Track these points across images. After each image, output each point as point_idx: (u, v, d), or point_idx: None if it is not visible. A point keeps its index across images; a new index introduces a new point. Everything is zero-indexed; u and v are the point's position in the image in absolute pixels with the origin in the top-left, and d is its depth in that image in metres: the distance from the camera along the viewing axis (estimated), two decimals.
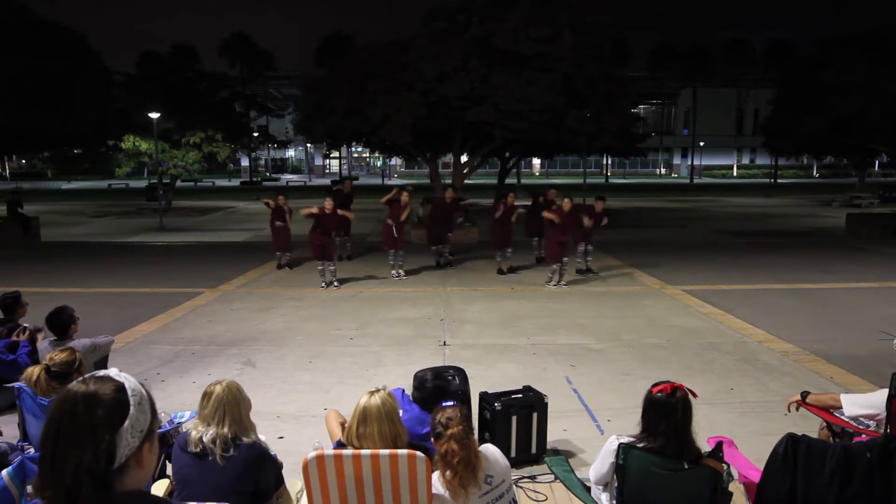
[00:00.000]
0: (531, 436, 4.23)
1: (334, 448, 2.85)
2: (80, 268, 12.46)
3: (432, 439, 2.67)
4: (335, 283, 10.22)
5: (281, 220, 11.74)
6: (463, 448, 2.53)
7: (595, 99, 16.29)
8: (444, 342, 7.17)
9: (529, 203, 13.10)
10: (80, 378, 1.29)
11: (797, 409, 3.55)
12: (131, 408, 1.25)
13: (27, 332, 5.28)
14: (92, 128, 18.87)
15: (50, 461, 1.19)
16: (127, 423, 1.23)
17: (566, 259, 10.23)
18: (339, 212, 10.51)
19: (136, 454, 1.25)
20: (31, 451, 3.38)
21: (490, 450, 2.75)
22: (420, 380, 3.62)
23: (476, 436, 3.03)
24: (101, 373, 1.29)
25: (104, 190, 45.99)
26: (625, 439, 2.68)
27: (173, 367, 6.34)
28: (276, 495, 2.81)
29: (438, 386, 3.59)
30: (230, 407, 2.70)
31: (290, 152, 74.15)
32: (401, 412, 2.86)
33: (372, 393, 2.73)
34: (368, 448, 2.60)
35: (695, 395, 2.67)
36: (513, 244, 11.51)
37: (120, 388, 1.26)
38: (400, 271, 11.04)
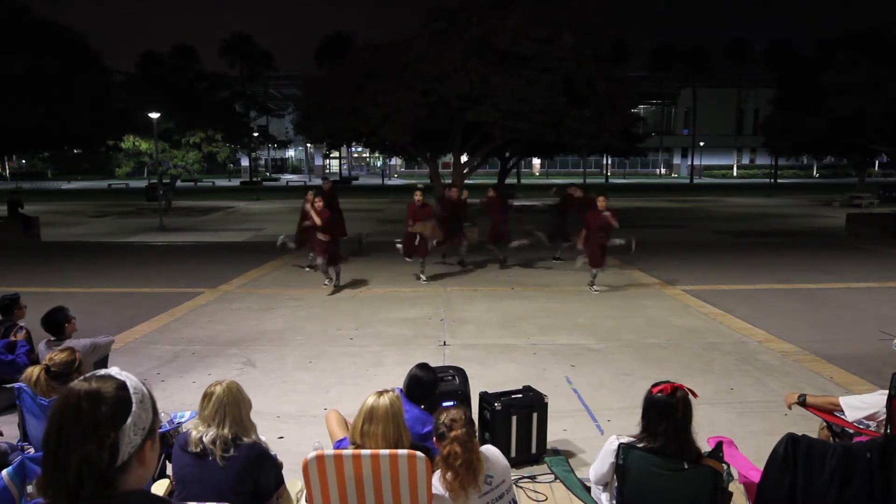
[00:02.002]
0: (531, 436, 4.24)
1: (338, 446, 2.85)
2: (80, 268, 12.46)
3: (434, 439, 2.67)
4: (335, 283, 9.91)
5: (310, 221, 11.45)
6: (466, 451, 2.54)
7: (595, 99, 16.29)
8: (444, 342, 7.17)
9: (557, 202, 12.74)
10: (82, 377, 1.29)
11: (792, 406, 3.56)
12: (133, 405, 1.25)
13: (24, 332, 5.27)
14: (92, 128, 18.88)
15: (53, 459, 1.19)
16: (129, 420, 1.23)
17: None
18: (314, 207, 9.54)
19: (139, 452, 1.26)
20: (31, 451, 3.38)
21: (490, 450, 2.75)
22: (410, 380, 3.56)
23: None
24: (103, 371, 1.30)
25: (104, 190, 46.00)
26: (625, 439, 2.68)
27: (173, 367, 6.34)
28: (276, 495, 2.81)
29: (416, 376, 3.53)
30: (230, 407, 2.70)
31: (290, 152, 74.19)
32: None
33: (381, 393, 2.73)
34: (371, 447, 2.60)
35: (695, 395, 2.67)
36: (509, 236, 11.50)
37: (122, 385, 1.26)
38: (421, 276, 10.60)
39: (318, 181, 57.74)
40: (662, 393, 2.61)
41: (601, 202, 9.50)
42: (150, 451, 1.29)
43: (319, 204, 9.39)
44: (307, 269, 11.47)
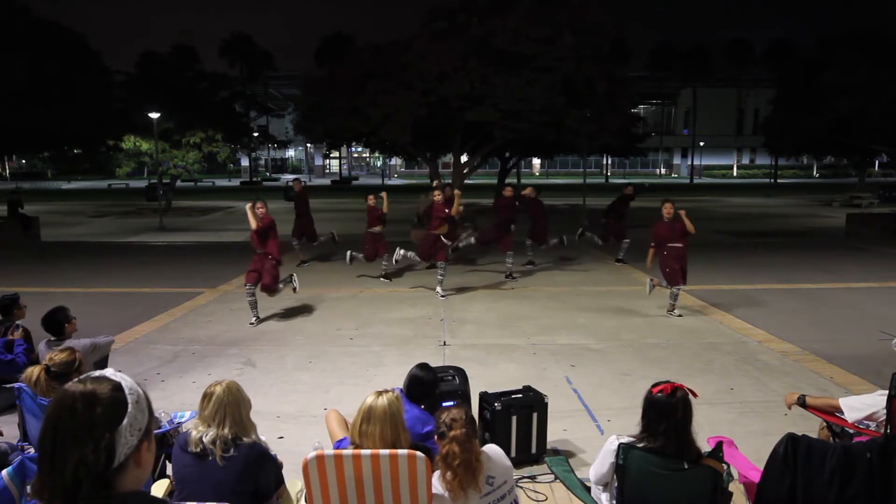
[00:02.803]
0: (531, 436, 4.24)
1: (338, 446, 2.85)
2: (80, 268, 12.46)
3: (436, 438, 2.67)
4: (254, 320, 8.04)
5: (375, 225, 10.68)
6: (464, 451, 2.53)
7: (595, 99, 16.30)
8: (444, 342, 7.17)
9: (614, 201, 12.63)
10: (77, 378, 1.29)
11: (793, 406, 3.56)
12: (129, 406, 1.25)
13: (21, 330, 5.26)
14: (92, 128, 18.89)
15: (49, 461, 1.19)
16: (125, 421, 1.23)
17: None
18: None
19: (135, 453, 1.25)
20: (31, 451, 3.37)
21: (494, 450, 2.75)
22: (410, 380, 3.56)
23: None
24: (97, 373, 1.29)
25: (104, 190, 46.02)
26: (625, 439, 2.68)
27: (173, 367, 6.34)
28: (276, 495, 2.81)
29: (416, 376, 3.53)
30: (231, 408, 2.70)
31: (290, 152, 74.20)
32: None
33: (380, 393, 2.73)
34: (369, 446, 2.60)
35: (695, 395, 2.67)
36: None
37: (117, 387, 1.26)
38: (437, 288, 9.48)
39: (319, 181, 57.74)
40: (662, 393, 2.61)
41: (668, 209, 8.25)
42: (147, 452, 1.29)
43: (262, 210, 8.13)
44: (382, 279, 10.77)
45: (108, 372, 1.30)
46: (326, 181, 58.09)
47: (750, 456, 3.16)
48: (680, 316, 8.33)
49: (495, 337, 7.40)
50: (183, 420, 3.62)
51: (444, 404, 3.50)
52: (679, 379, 2.82)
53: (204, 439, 2.64)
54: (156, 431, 3.42)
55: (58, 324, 4.87)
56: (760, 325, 7.79)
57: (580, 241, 12.37)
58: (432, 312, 8.55)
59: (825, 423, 3.48)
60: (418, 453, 2.55)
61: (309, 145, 64.88)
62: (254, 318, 8.05)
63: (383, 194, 10.92)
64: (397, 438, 2.64)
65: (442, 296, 9.34)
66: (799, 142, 22.99)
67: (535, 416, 4.24)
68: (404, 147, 20.80)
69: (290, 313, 8.54)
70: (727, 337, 7.38)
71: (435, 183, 11.78)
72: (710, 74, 57.80)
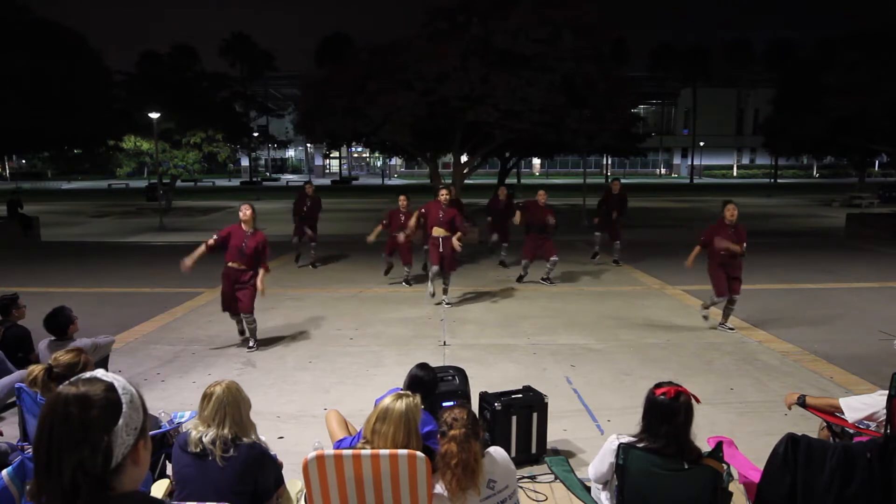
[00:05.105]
0: (531, 436, 4.24)
1: (338, 446, 2.84)
2: (80, 268, 12.46)
3: (438, 437, 2.66)
4: (251, 344, 6.95)
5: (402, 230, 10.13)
6: (462, 451, 2.52)
7: (595, 99, 16.28)
8: (444, 342, 7.17)
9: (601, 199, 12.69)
10: (68, 381, 1.27)
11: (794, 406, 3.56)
12: (123, 406, 1.25)
13: None
14: (92, 128, 18.88)
15: (45, 466, 1.18)
16: (121, 421, 1.23)
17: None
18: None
19: (132, 452, 1.25)
20: (31, 450, 3.37)
21: (498, 453, 2.73)
22: (410, 380, 3.59)
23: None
24: (88, 374, 1.29)
25: (104, 190, 46.05)
26: (625, 439, 2.68)
27: (173, 367, 6.33)
28: (276, 495, 2.81)
29: (416, 376, 3.55)
30: (230, 408, 2.70)
31: (290, 152, 74.21)
32: None
33: (400, 396, 2.71)
34: (380, 446, 2.60)
35: (698, 401, 2.65)
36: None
37: (110, 387, 1.25)
38: (444, 297, 8.94)
39: (319, 181, 57.63)
40: (665, 396, 2.60)
41: (731, 211, 7.15)
42: (144, 450, 1.29)
43: (247, 213, 6.72)
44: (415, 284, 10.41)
45: (100, 372, 1.30)
46: (326, 181, 58.07)
47: (750, 456, 3.16)
48: (730, 328, 7.60)
49: (495, 337, 7.40)
50: (183, 420, 3.62)
51: (445, 404, 3.50)
52: (679, 379, 2.82)
53: (204, 439, 2.64)
54: (156, 431, 3.43)
55: (61, 325, 4.85)
56: (760, 326, 7.80)
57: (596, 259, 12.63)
58: (432, 312, 8.54)
59: (825, 423, 3.48)
60: (418, 453, 2.55)
61: (309, 145, 64.90)
62: (253, 343, 6.96)
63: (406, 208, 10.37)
64: (408, 443, 2.63)
65: (447, 302, 8.93)
66: (799, 142, 22.98)
67: (535, 416, 4.24)
68: (404, 147, 20.81)
69: (290, 313, 8.54)
70: (727, 337, 7.38)
71: (442, 183, 11.57)
72: (710, 74, 57.83)
